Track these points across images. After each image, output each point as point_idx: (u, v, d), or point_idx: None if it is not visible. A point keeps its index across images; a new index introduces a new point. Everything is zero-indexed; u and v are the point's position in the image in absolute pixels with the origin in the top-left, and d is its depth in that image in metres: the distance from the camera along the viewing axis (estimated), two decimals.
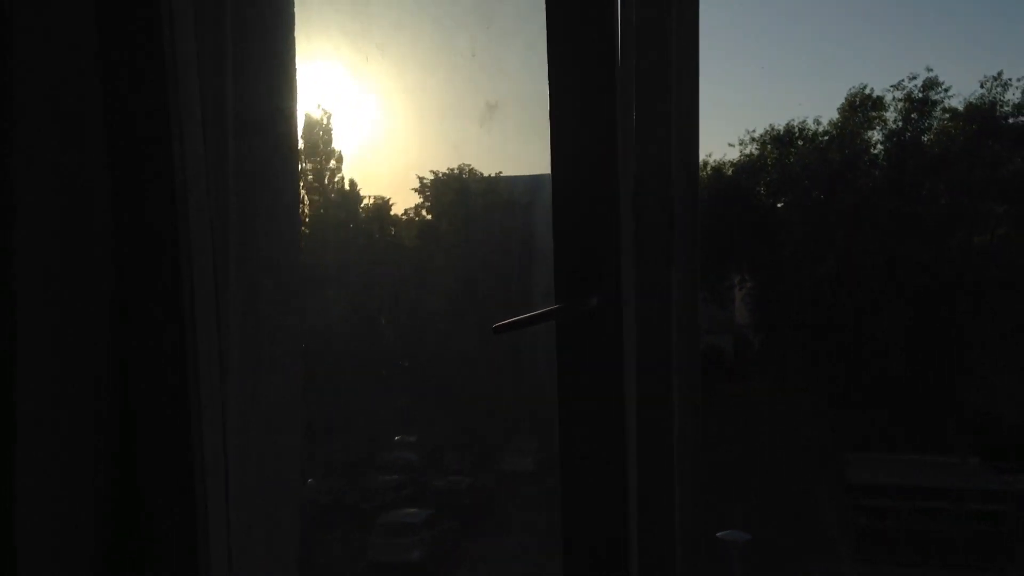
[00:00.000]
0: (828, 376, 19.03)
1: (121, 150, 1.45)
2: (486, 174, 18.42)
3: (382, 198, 18.45)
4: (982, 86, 19.53)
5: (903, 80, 20.16)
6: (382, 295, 17.27)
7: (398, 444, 17.39)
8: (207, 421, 1.51)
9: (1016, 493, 15.28)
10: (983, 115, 19.22)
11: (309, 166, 17.91)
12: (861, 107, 20.30)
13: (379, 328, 16.54)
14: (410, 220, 18.89)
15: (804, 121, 21.42)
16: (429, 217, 19.19)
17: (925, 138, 19.93)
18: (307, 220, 18.63)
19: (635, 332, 1.46)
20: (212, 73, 1.55)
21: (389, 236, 18.54)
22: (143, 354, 1.48)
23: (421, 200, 18.90)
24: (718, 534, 16.14)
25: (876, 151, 20.55)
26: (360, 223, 18.61)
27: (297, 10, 1.62)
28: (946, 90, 19.66)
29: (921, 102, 19.71)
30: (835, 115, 21.00)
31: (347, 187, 18.55)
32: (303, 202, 18.43)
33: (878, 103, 20.29)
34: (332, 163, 18.04)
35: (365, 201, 18.66)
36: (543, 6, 1.49)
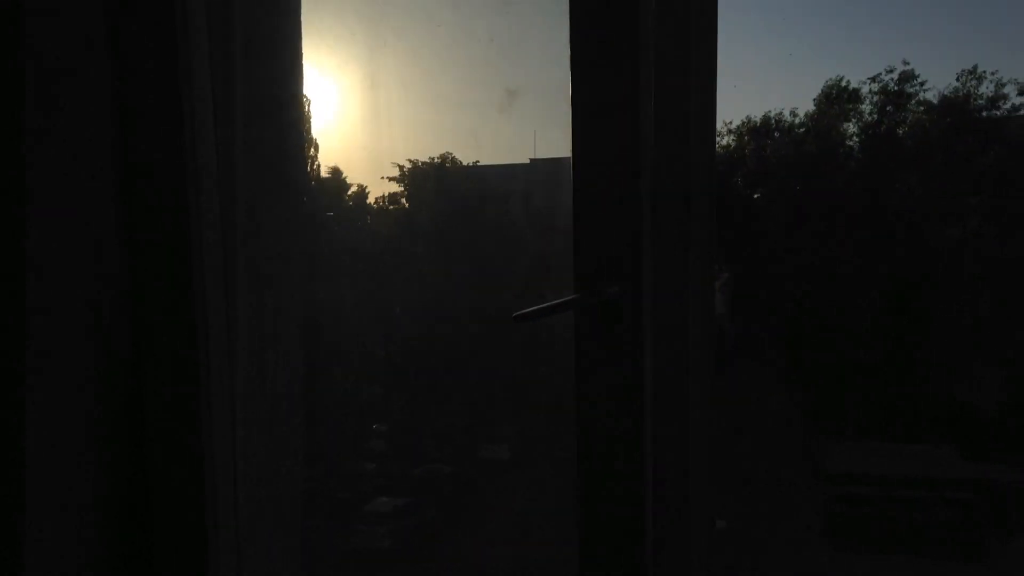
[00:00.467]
0: (803, 365, 19.19)
1: (132, 135, 1.42)
2: (466, 163, 18.36)
3: (363, 186, 18.34)
4: (957, 79, 19.69)
5: (880, 73, 20.29)
6: (360, 284, 17.20)
7: (375, 433, 17.35)
8: (216, 408, 1.49)
9: (988, 482, 15.48)
10: (958, 108, 19.38)
11: None
12: (837, 99, 20.41)
13: (356, 317, 16.47)
14: (388, 209, 18.80)
15: (781, 113, 21.52)
16: (407, 205, 19.10)
17: (900, 131, 20.07)
18: None
19: (654, 320, 1.45)
20: (222, 57, 1.53)
21: (367, 225, 18.46)
22: (154, 343, 1.46)
23: (401, 189, 18.80)
24: None
25: (852, 143, 20.68)
26: (344, 212, 18.50)
27: None
28: (922, 83, 19.81)
29: (897, 95, 19.84)
30: (811, 107, 21.10)
31: (327, 175, 18.42)
32: None
33: (854, 95, 20.41)
34: (311, 152, 17.88)
35: (352, 190, 18.56)
36: None
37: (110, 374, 1.44)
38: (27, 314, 1.33)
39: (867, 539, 15.59)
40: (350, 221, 18.35)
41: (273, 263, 1.71)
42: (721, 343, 25.03)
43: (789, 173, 20.38)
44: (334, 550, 14.47)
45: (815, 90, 23.47)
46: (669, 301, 1.45)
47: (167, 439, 1.40)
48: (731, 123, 22.14)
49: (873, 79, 20.09)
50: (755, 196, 21.23)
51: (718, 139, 22.51)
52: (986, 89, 19.46)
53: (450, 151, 18.03)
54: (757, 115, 22.18)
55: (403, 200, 19.35)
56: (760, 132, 21.50)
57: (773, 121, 21.50)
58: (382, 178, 18.44)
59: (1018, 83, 19.34)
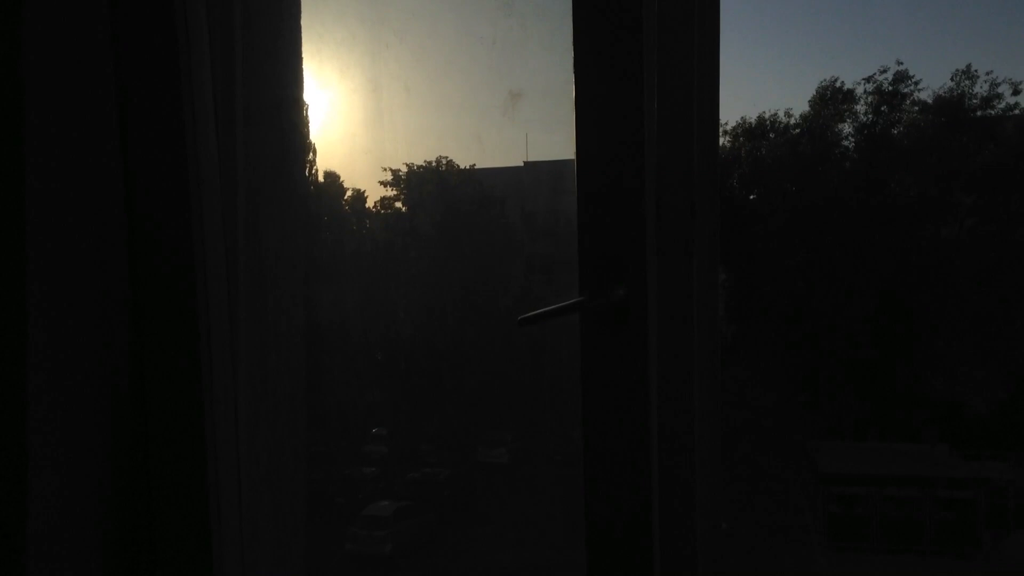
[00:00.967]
0: (799, 366, 19.21)
1: (134, 140, 1.42)
2: (463, 166, 18.36)
3: (360, 190, 18.34)
4: (952, 79, 19.74)
5: (874, 73, 20.33)
6: (359, 287, 17.19)
7: (374, 437, 17.33)
8: (219, 411, 1.49)
9: (983, 480, 15.51)
10: (952, 108, 19.44)
11: None
12: (832, 100, 20.45)
13: (355, 320, 16.47)
14: (386, 213, 18.80)
15: (775, 114, 21.56)
16: (403, 209, 19.10)
17: (895, 131, 20.12)
18: None
19: (659, 322, 1.45)
20: (222, 61, 1.53)
21: (366, 229, 18.46)
22: (156, 347, 1.46)
23: (396, 192, 18.79)
24: None
25: (847, 143, 20.72)
26: (341, 216, 18.51)
27: None
28: (916, 83, 19.86)
29: (891, 95, 19.90)
30: (806, 108, 21.14)
31: (322, 179, 18.43)
32: None
33: (848, 96, 20.45)
34: (309, 156, 17.89)
35: (349, 194, 18.57)
36: None
37: (113, 376, 1.44)
38: (28, 317, 1.33)
39: (865, 538, 15.62)
40: (348, 225, 18.35)
41: (275, 265, 1.71)
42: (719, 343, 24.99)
43: (784, 174, 20.41)
44: (333, 555, 14.46)
45: (809, 91, 23.55)
46: (674, 303, 1.45)
47: (170, 441, 1.40)
48: (726, 124, 22.21)
49: (867, 79, 20.17)
50: (751, 197, 21.27)
51: None
52: (980, 89, 19.55)
53: (446, 155, 18.04)
54: (752, 116, 22.24)
55: (400, 204, 19.36)
56: (755, 133, 21.54)
57: (768, 122, 21.54)
58: (379, 183, 18.46)
59: (1012, 83, 19.42)
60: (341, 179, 18.03)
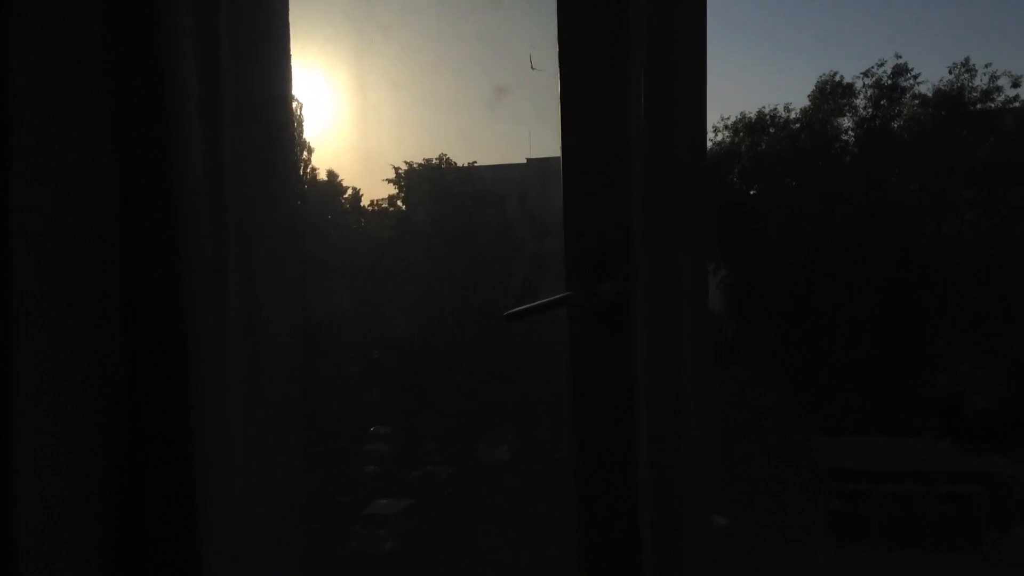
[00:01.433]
0: (800, 362, 19.19)
1: (118, 141, 1.41)
2: (461, 164, 18.41)
3: (357, 189, 18.40)
4: (950, 72, 19.72)
5: (872, 67, 20.30)
6: (358, 286, 17.21)
7: (373, 435, 17.35)
8: (209, 415, 1.47)
9: (985, 476, 15.51)
10: (951, 101, 19.41)
11: None
12: (831, 94, 20.43)
13: (352, 319, 16.48)
14: (384, 211, 18.83)
15: (775, 108, 21.53)
16: (404, 207, 19.13)
17: (895, 124, 20.10)
18: None
19: (648, 317, 1.44)
20: (208, 59, 1.51)
21: (363, 227, 18.47)
22: (143, 347, 1.45)
23: (396, 191, 18.83)
24: None
25: (847, 138, 20.70)
26: (339, 215, 18.55)
27: None
28: (915, 76, 19.84)
29: (890, 88, 19.87)
30: (806, 102, 21.12)
31: (324, 177, 18.50)
32: None
33: (848, 90, 20.42)
34: (304, 154, 17.96)
35: (347, 193, 18.64)
36: None
37: (105, 377, 1.42)
38: (13, 311, 1.32)
39: (866, 534, 15.60)
40: (347, 224, 18.38)
41: (267, 264, 1.70)
42: (719, 340, 25.05)
43: (785, 169, 20.39)
44: (335, 555, 14.46)
45: (809, 85, 23.54)
46: (663, 297, 1.44)
47: (158, 441, 1.39)
48: (728, 119, 22.21)
49: (865, 73, 20.14)
50: (751, 192, 21.25)
51: (713, 135, 22.53)
52: (980, 82, 19.54)
53: (445, 152, 18.08)
54: (752, 111, 22.23)
55: (399, 202, 19.40)
56: (755, 128, 21.53)
57: (768, 117, 21.52)
58: (383, 180, 18.48)
59: (1012, 76, 19.39)
60: (340, 179, 18.09)
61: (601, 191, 1.45)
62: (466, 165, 18.41)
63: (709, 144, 22.40)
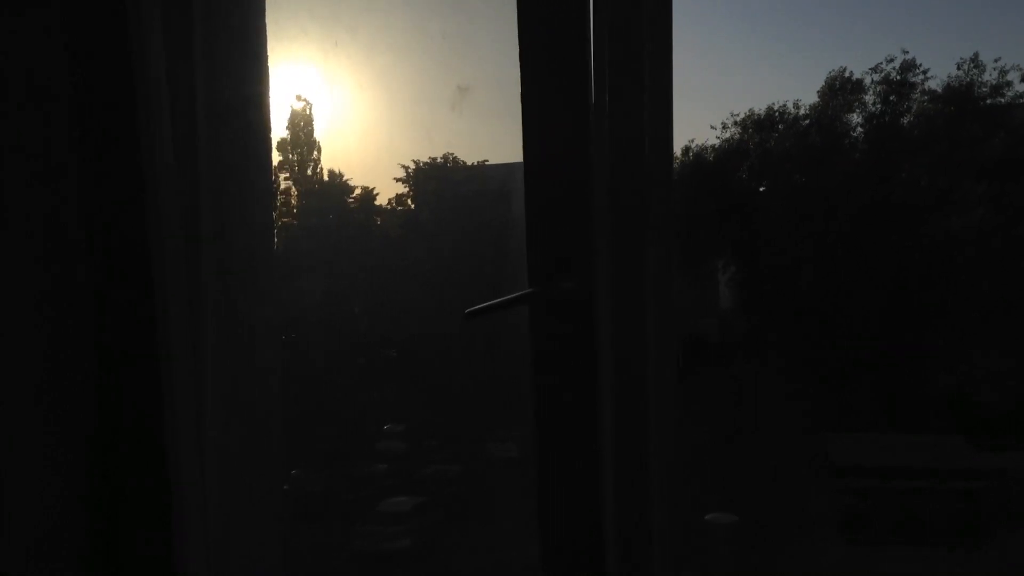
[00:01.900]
0: (810, 358, 19.13)
1: (86, 139, 1.43)
2: (469, 163, 18.42)
3: (367, 188, 18.44)
4: (959, 68, 19.62)
5: (880, 63, 20.21)
6: (367, 285, 17.25)
7: (386, 433, 17.39)
8: (181, 415, 1.49)
9: (997, 471, 15.43)
10: (961, 97, 19.30)
11: (294, 157, 17.90)
12: (841, 90, 20.33)
13: (364, 318, 16.52)
14: (392, 210, 18.86)
15: (784, 105, 21.46)
16: (412, 207, 19.16)
17: (904, 120, 20.00)
18: (295, 211, 18.61)
19: (611, 316, 1.45)
20: (180, 59, 1.53)
21: (374, 226, 18.52)
22: (116, 349, 1.47)
23: (406, 190, 18.86)
24: (706, 516, 16.21)
25: (856, 134, 20.61)
26: (346, 213, 18.59)
27: None
28: (924, 72, 19.73)
29: (899, 84, 19.77)
30: (815, 98, 21.03)
31: (326, 177, 18.54)
32: (291, 193, 18.45)
33: (857, 86, 20.32)
34: (314, 154, 18.02)
35: (356, 191, 18.68)
36: None
37: (70, 372, 1.45)
38: None
39: (879, 531, 15.54)
40: (356, 223, 18.42)
41: (243, 266, 1.71)
42: (729, 336, 24.98)
43: (794, 166, 20.32)
44: (347, 552, 14.51)
45: (818, 81, 23.44)
46: (627, 295, 1.46)
47: (129, 442, 1.41)
48: (737, 115, 22.14)
49: (874, 69, 20.04)
50: (760, 189, 21.19)
51: (721, 132, 22.48)
52: (989, 77, 19.43)
53: (452, 151, 18.09)
54: (761, 107, 22.16)
55: (409, 201, 19.43)
56: (764, 125, 21.46)
57: (777, 113, 21.44)
58: (393, 179, 18.52)
59: (1021, 70, 19.27)
60: (347, 178, 18.16)
61: (562, 190, 1.46)
62: (475, 164, 18.43)
63: (717, 141, 22.34)
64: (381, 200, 18.87)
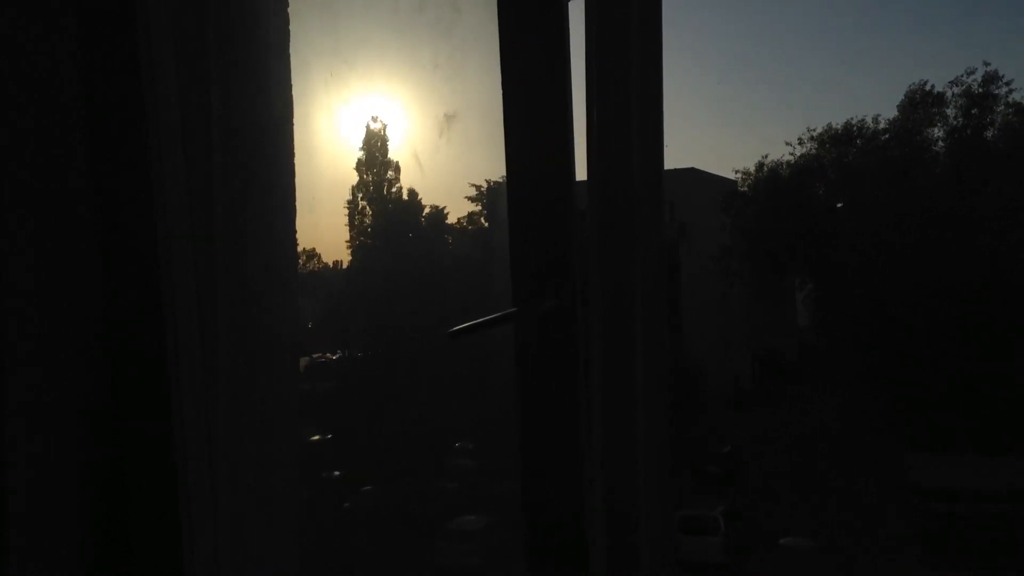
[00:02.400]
0: (890, 377, 18.67)
1: (98, 159, 1.51)
2: None
3: (436, 206, 18.71)
4: None
5: (961, 75, 19.74)
6: (440, 301, 17.45)
7: (458, 451, 17.53)
8: (189, 425, 1.56)
9: None
10: None
11: (369, 177, 18.27)
12: (921, 103, 19.90)
13: (436, 335, 16.69)
14: (463, 228, 19.10)
15: (863, 119, 21.10)
16: (485, 225, 19.36)
17: (988, 134, 19.47)
18: (369, 230, 18.99)
19: (600, 332, 1.50)
20: (196, 85, 1.59)
21: (444, 244, 18.76)
22: (124, 363, 1.54)
23: (478, 208, 19.08)
24: (780, 541, 15.93)
25: (937, 148, 20.15)
26: (420, 231, 18.89)
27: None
28: (1007, 84, 19.19)
29: (981, 97, 19.26)
30: (894, 112, 20.64)
31: (405, 196, 18.86)
32: (365, 212, 18.83)
33: (939, 99, 19.87)
34: (390, 173, 18.36)
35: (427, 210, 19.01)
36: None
37: (91, 387, 1.53)
38: (7, 318, 1.43)
39: (962, 555, 15.06)
40: (427, 240, 18.67)
41: (262, 280, 1.78)
42: (807, 355, 24.52)
43: (873, 181, 19.92)
44: (421, 567, 14.65)
45: (898, 95, 22.99)
46: (614, 313, 1.50)
47: (138, 461, 1.49)
48: (813, 130, 21.87)
49: (954, 82, 19.58)
50: (838, 205, 20.86)
51: (798, 147, 22.19)
52: None
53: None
54: (838, 122, 21.85)
55: (482, 220, 19.63)
56: (841, 139, 21.14)
57: (855, 128, 21.11)
58: (464, 198, 18.78)
59: None
60: (419, 196, 18.49)
61: (544, 213, 1.52)
62: None
63: (792, 157, 21.89)
64: (451, 219, 19.15)
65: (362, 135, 17.42)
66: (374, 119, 17.07)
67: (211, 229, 1.58)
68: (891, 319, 18.17)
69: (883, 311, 18.37)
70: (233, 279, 1.66)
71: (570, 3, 1.56)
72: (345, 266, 20.25)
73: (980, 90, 19.17)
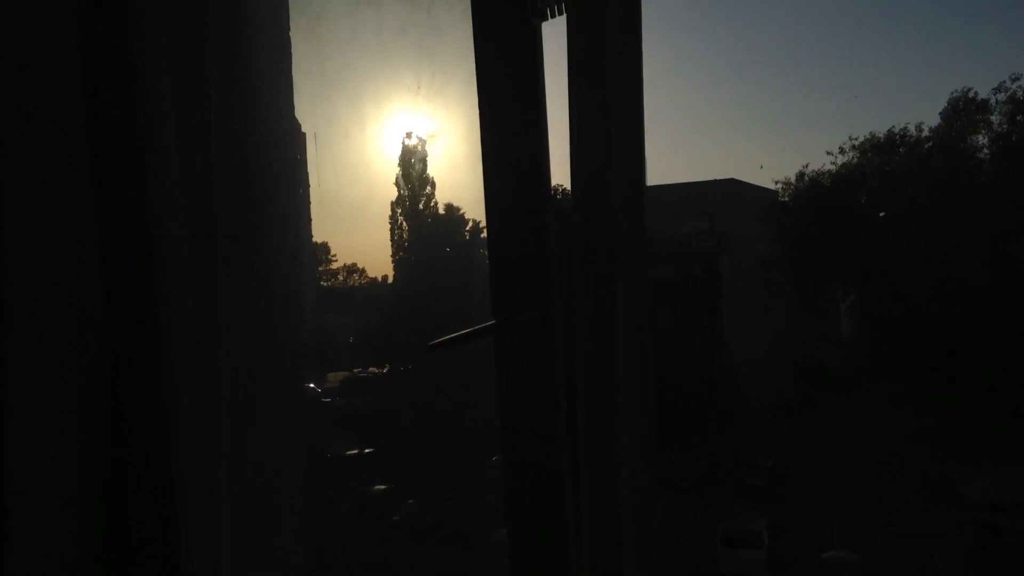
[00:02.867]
0: (937, 387, 18.36)
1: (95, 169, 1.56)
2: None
3: (476, 221, 18.80)
4: None
5: (1004, 81, 19.41)
6: (480, 315, 17.47)
7: (496, 464, 17.50)
8: (188, 433, 1.61)
9: None
10: None
11: (405, 192, 18.44)
12: (964, 111, 19.61)
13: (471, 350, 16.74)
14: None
15: (906, 127, 20.83)
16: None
17: None
18: (407, 244, 19.14)
19: (583, 342, 1.53)
20: (195, 98, 1.64)
21: (482, 257, 18.80)
22: (123, 363, 1.58)
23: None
24: (824, 554, 15.70)
25: (982, 155, 19.83)
26: (459, 245, 18.99)
27: None
28: None
29: None
30: (936, 120, 20.36)
31: (442, 211, 18.99)
32: (401, 227, 19.00)
33: (983, 106, 19.56)
34: (428, 189, 18.49)
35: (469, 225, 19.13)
36: None
37: (89, 393, 1.57)
38: (7, 340, 1.47)
39: (1017, 569, 14.73)
40: (466, 254, 18.77)
41: (264, 292, 1.82)
42: (851, 364, 24.19)
43: (916, 189, 19.65)
44: None
45: (940, 102, 22.65)
46: (597, 325, 1.52)
47: (137, 452, 1.54)
48: (855, 139, 21.63)
49: (997, 89, 19.26)
50: (880, 215, 20.59)
51: (839, 156, 21.96)
52: None
53: (561, 183, 18.24)
54: (881, 130, 21.58)
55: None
56: (884, 148, 20.89)
57: (898, 136, 20.85)
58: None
59: None
60: (462, 211, 18.60)
61: (521, 227, 1.55)
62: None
63: (833, 166, 21.62)
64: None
65: (398, 151, 17.62)
66: (408, 135, 17.22)
67: (211, 230, 1.62)
68: (937, 330, 17.88)
69: (928, 321, 18.09)
70: (232, 285, 1.71)
71: (553, 19, 1.60)
72: (390, 281, 20.47)
73: None
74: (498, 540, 14.64)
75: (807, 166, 24.12)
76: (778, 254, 21.85)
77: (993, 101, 19.27)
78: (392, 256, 19.52)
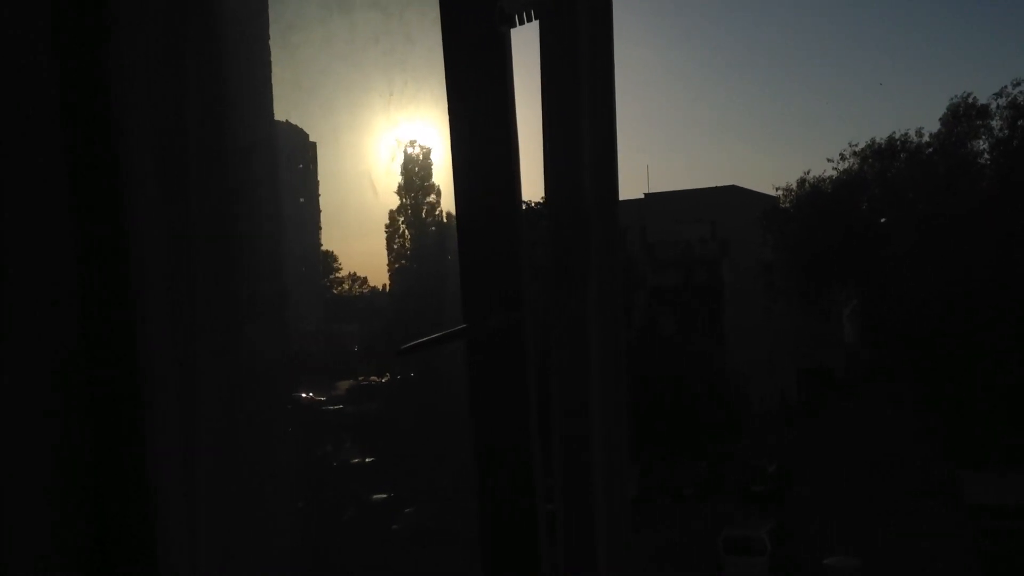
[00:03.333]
0: (939, 391, 18.34)
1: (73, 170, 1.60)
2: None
3: None
4: None
5: (1006, 86, 19.42)
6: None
7: None
8: (163, 436, 1.63)
9: None
10: None
11: (407, 201, 18.45)
12: (965, 116, 19.62)
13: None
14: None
15: (907, 133, 20.85)
16: None
17: None
18: (408, 253, 19.15)
19: (558, 348, 1.56)
20: (173, 109, 1.68)
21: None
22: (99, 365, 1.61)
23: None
24: (825, 561, 15.65)
25: (983, 160, 19.84)
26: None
27: None
28: None
29: None
30: (936, 126, 20.37)
31: (445, 219, 19.02)
32: (403, 235, 19.03)
33: (983, 111, 19.56)
34: (431, 197, 18.52)
35: None
36: None
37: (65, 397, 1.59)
38: None
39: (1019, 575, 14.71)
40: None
41: (252, 302, 1.86)
42: (853, 368, 24.21)
43: (917, 194, 19.67)
44: None
45: (940, 108, 22.67)
46: (568, 329, 1.56)
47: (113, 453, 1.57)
48: (856, 145, 21.65)
49: (998, 94, 19.25)
50: (881, 220, 20.62)
51: (840, 162, 21.98)
52: None
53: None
54: (881, 136, 21.60)
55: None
56: (885, 154, 20.91)
57: (898, 142, 20.87)
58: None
59: None
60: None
61: (491, 233, 1.58)
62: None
63: (834, 172, 21.61)
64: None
65: (401, 160, 17.63)
66: (411, 144, 17.26)
67: (190, 231, 1.66)
68: (939, 333, 17.87)
69: (930, 325, 18.09)
70: (215, 292, 1.74)
71: (523, 26, 1.63)
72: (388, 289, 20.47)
73: None
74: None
75: (808, 172, 24.15)
76: (780, 259, 21.91)
77: (994, 106, 19.29)
78: (389, 265, 19.54)
